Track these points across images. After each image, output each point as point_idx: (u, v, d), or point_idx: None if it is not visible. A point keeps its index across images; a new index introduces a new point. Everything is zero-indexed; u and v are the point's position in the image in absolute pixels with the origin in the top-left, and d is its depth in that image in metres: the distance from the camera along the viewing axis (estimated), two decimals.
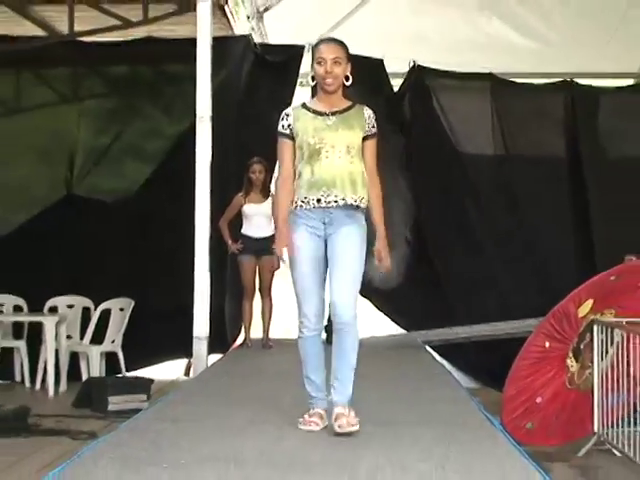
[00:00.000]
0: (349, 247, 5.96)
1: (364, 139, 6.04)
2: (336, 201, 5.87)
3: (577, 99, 13.19)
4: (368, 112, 6.07)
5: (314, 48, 5.98)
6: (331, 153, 5.86)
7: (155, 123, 13.30)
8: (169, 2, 12.06)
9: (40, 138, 13.67)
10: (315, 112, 5.97)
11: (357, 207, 5.98)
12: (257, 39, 13.05)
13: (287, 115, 6.05)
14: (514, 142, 13.16)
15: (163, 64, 12.74)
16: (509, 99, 13.20)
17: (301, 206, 5.97)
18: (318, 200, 5.88)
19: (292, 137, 6.00)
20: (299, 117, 6.00)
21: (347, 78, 5.98)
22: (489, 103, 13.18)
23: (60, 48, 13.30)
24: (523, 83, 13.42)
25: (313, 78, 6.03)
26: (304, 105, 6.09)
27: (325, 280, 6.13)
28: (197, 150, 9.54)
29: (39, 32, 13.59)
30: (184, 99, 10.02)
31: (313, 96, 6.38)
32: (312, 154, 5.88)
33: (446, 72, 12.83)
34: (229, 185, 11.01)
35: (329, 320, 6.99)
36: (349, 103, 6.05)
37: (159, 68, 12.98)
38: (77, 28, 12.87)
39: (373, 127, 6.05)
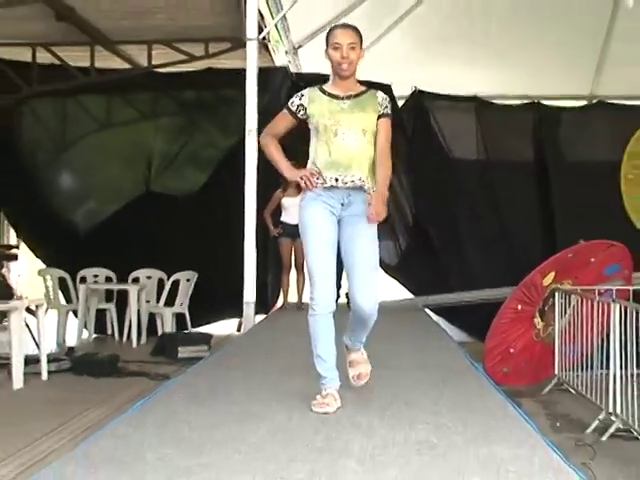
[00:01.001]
0: (368, 243, 5.07)
1: (377, 119, 5.15)
2: (353, 181, 5.00)
3: (542, 116, 13.24)
4: (382, 95, 5.19)
5: (329, 33, 5.12)
6: (347, 135, 5.01)
7: (212, 137, 13.43)
8: (225, 41, 12.03)
9: (126, 147, 13.87)
10: (330, 95, 5.11)
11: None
12: (293, 69, 13.06)
13: (302, 95, 5.16)
14: (493, 149, 13.17)
15: (220, 89, 12.79)
16: (489, 116, 13.20)
17: (321, 184, 5.02)
18: (336, 179, 4.99)
19: (296, 115, 5.14)
20: (314, 99, 5.12)
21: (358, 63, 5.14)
22: (474, 119, 13.20)
23: (141, 78, 13.55)
24: (500, 104, 13.36)
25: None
26: (320, 88, 5.19)
27: (337, 258, 5.12)
28: (246, 156, 9.58)
29: (125, 65, 13.62)
30: (236, 117, 9.99)
31: None
32: (329, 135, 5.01)
33: (440, 95, 12.85)
34: (270, 183, 10.94)
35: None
36: (363, 88, 5.21)
37: (217, 93, 13.02)
38: (154, 62, 12.94)
39: (386, 108, 5.16)
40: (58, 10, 11.40)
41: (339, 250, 5.15)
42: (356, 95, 5.11)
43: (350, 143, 4.99)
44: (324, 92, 5.13)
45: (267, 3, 10.72)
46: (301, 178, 4.96)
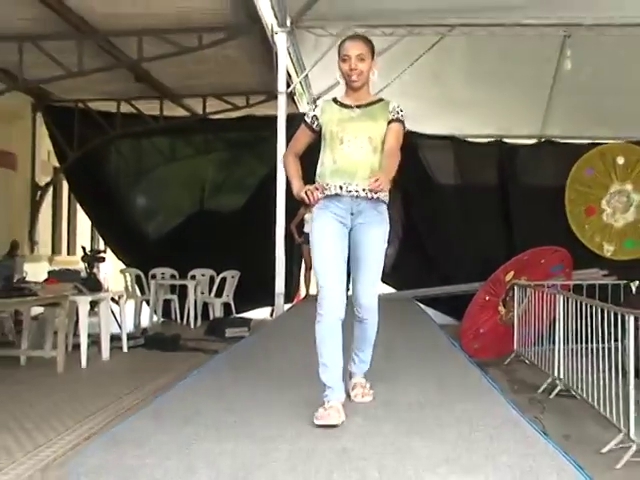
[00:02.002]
0: (375, 248, 4.11)
1: (388, 124, 4.11)
2: (357, 190, 3.98)
3: (504, 152, 13.17)
4: (394, 104, 4.17)
5: (340, 46, 4.18)
6: (353, 143, 4.03)
7: (251, 167, 13.41)
8: (261, 94, 12.07)
9: (185, 176, 13.96)
10: (342, 105, 4.16)
11: (380, 200, 4.10)
12: None
13: (316, 106, 4.28)
14: (467, 176, 13.11)
15: (257, 131, 12.77)
16: (463, 151, 13.14)
17: (325, 194, 4.03)
18: (340, 187, 4.00)
19: (312, 127, 4.20)
20: (326, 109, 4.18)
21: (373, 73, 4.16)
22: (452, 153, 13.15)
23: (197, 123, 13.62)
24: (472, 141, 13.32)
25: (341, 77, 4.22)
26: (334, 99, 4.26)
27: (346, 267, 4.10)
28: (277, 182, 9.54)
29: (186, 114, 13.68)
30: (269, 152, 10.01)
31: None
32: (334, 142, 4.06)
33: (426, 135, 12.76)
34: (296, 202, 10.94)
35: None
36: (376, 98, 4.23)
37: (254, 134, 13.03)
38: (207, 110, 13.02)
39: (398, 114, 4.13)
40: (137, 73, 11.50)
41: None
42: (367, 104, 4.15)
43: (355, 151, 4.03)
44: (336, 102, 4.20)
45: (293, 65, 10.74)
46: (305, 193, 3.97)
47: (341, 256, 4.04)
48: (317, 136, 4.20)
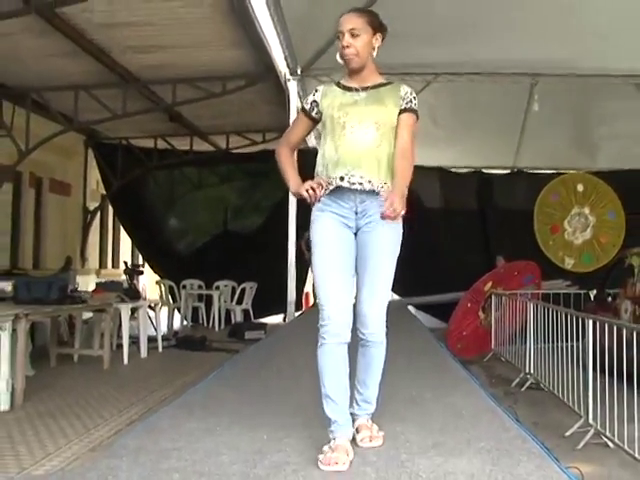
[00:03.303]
0: (384, 250, 2.97)
1: (399, 114, 3.00)
2: (361, 183, 2.88)
3: (482, 180, 13.16)
4: (406, 89, 3.04)
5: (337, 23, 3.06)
6: (357, 129, 2.92)
7: (267, 193, 13.36)
8: (275, 131, 12.10)
9: (211, 201, 14.08)
10: (344, 88, 3.04)
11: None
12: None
13: (316, 91, 3.12)
14: (451, 201, 13.06)
15: (272, 162, 12.62)
16: (448, 180, 13.10)
17: (327, 190, 2.93)
18: (341, 178, 2.89)
19: (310, 114, 3.08)
20: (327, 93, 3.05)
21: (373, 49, 3.00)
22: (438, 181, 13.10)
23: (221, 155, 13.63)
24: (455, 172, 13.30)
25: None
26: (337, 82, 3.11)
27: (353, 278, 3.03)
28: (289, 205, 9.49)
29: (212, 148, 13.73)
30: (282, 180, 9.89)
31: None
32: (335, 129, 2.95)
33: (416, 165, 12.70)
34: (307, 221, 10.97)
35: None
36: (383, 80, 3.07)
37: (270, 164, 12.81)
38: (230, 145, 13.09)
39: (410, 102, 3.01)
40: (171, 115, 11.54)
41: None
42: (374, 87, 3.02)
43: (360, 138, 2.92)
44: (339, 85, 3.08)
45: None
46: (306, 191, 2.89)
47: (346, 266, 2.95)
48: (315, 125, 3.17)
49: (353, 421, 2.99)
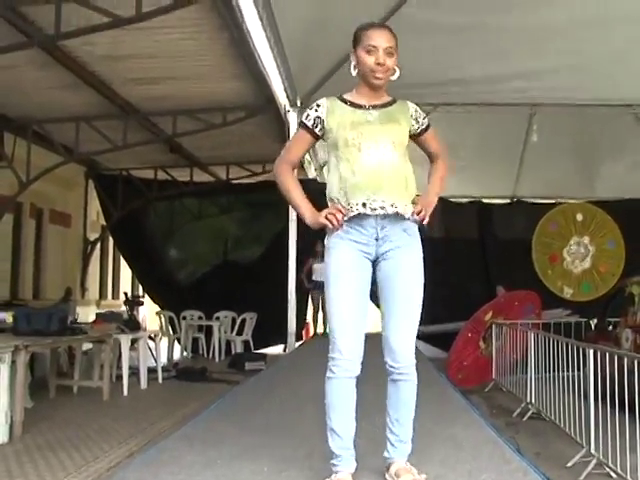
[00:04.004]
0: (412, 278, 2.83)
1: (418, 135, 2.93)
2: (383, 207, 2.71)
3: (482, 210, 13.18)
4: (413, 106, 2.93)
5: (360, 33, 2.85)
6: (374, 150, 2.73)
7: (266, 224, 13.42)
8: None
9: (211, 231, 14.17)
10: (353, 105, 2.83)
11: (410, 219, 2.82)
12: (320, 180, 13.13)
13: (319, 106, 2.86)
14: (452, 230, 13.01)
15: (272, 193, 12.60)
16: (449, 209, 13.03)
17: (346, 217, 2.73)
18: (363, 204, 2.70)
19: (313, 131, 2.85)
20: (334, 109, 2.82)
21: (394, 72, 2.84)
22: (439, 210, 12.86)
23: (221, 186, 13.71)
24: (455, 201, 13.30)
25: (355, 67, 2.88)
26: (340, 97, 2.89)
27: (367, 310, 2.84)
28: (290, 236, 9.48)
29: (212, 179, 13.82)
30: (281, 211, 9.92)
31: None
32: (351, 151, 2.74)
33: (417, 195, 12.75)
34: (306, 250, 11.05)
35: None
36: (390, 98, 2.91)
37: (270, 195, 12.81)
38: (230, 176, 13.19)
39: (424, 119, 2.95)
40: (171, 146, 11.63)
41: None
42: (384, 105, 2.86)
43: (378, 159, 2.73)
44: (345, 101, 2.86)
45: None
46: (325, 218, 2.73)
47: (361, 298, 2.80)
48: (316, 141, 2.95)
49: (389, 465, 2.85)
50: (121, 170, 13.32)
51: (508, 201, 13.51)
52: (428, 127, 2.97)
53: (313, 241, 11.56)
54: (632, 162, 11.23)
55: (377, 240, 2.78)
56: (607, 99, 9.23)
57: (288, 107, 9.46)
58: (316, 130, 2.87)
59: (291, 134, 9.49)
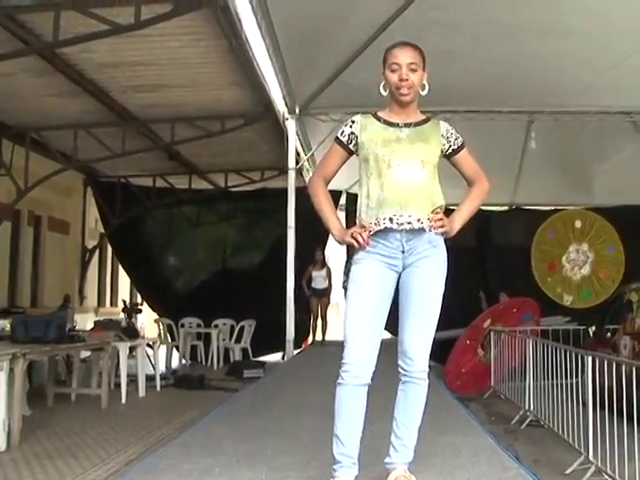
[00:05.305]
0: (431, 289, 2.92)
1: (451, 155, 3.01)
2: (410, 222, 2.82)
3: (480, 217, 13.08)
4: (445, 125, 3.02)
5: (387, 53, 2.95)
6: (403, 167, 2.84)
7: (265, 231, 13.44)
8: (274, 170, 12.25)
9: (209, 239, 14.15)
10: (386, 122, 2.93)
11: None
12: None
13: (353, 122, 2.97)
14: (448, 238, 13.03)
15: (271, 201, 12.71)
16: (447, 217, 13.10)
17: (372, 231, 2.84)
18: (390, 219, 2.81)
19: (348, 147, 2.96)
20: (367, 126, 2.94)
21: (423, 87, 2.95)
22: None
23: (220, 194, 13.75)
24: (452, 209, 13.31)
25: (384, 88, 2.96)
26: (375, 114, 2.98)
27: (385, 321, 2.92)
28: (288, 243, 9.49)
29: (210, 187, 13.84)
30: (280, 218, 9.95)
31: None
32: (381, 167, 2.84)
33: None
34: (305, 259, 11.06)
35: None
36: (424, 116, 3.01)
37: (269, 203, 12.99)
38: (229, 184, 13.22)
39: (457, 139, 3.02)
40: (170, 153, 11.63)
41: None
42: (417, 124, 2.95)
43: (406, 176, 2.84)
44: (379, 119, 2.95)
45: (301, 144, 10.83)
46: (351, 236, 2.85)
47: (381, 310, 2.88)
48: (350, 157, 3.03)
49: (389, 472, 2.89)
50: (119, 177, 13.33)
51: (506, 208, 13.53)
52: (461, 148, 3.04)
53: (312, 249, 11.62)
54: (630, 169, 11.24)
55: (403, 252, 2.88)
56: (605, 106, 9.27)
57: (286, 115, 9.50)
58: (350, 146, 2.98)
59: (289, 141, 9.56)
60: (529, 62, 7.97)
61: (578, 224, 12.94)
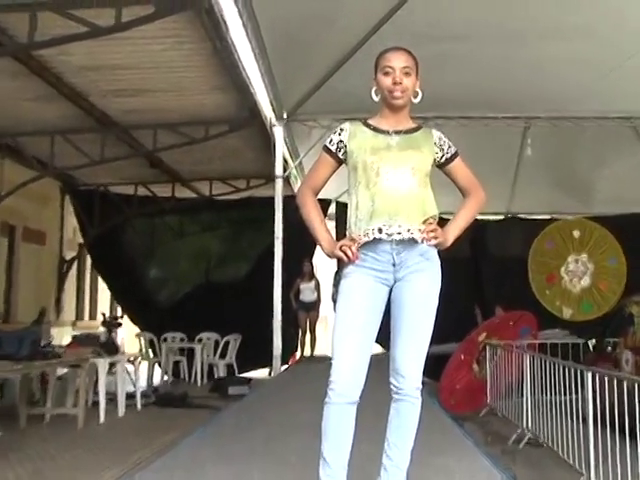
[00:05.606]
0: (423, 304, 2.91)
1: (444, 164, 3.04)
2: (400, 232, 2.81)
3: (475, 226, 13.05)
4: (437, 134, 3.04)
5: (379, 57, 2.99)
6: (392, 175, 2.84)
7: (251, 242, 13.43)
8: (260, 178, 12.22)
9: (193, 250, 14.12)
10: (376, 130, 2.95)
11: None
12: None
13: (342, 130, 3.00)
14: (445, 250, 13.06)
15: (257, 210, 12.73)
16: (440, 226, 13.10)
17: (362, 244, 2.83)
18: (379, 230, 2.80)
19: (337, 155, 2.98)
20: (356, 134, 2.95)
21: (416, 94, 2.98)
22: None
23: (204, 203, 13.74)
24: (445, 218, 13.31)
25: (376, 93, 2.99)
26: (365, 122, 3.01)
27: (376, 336, 2.92)
28: (275, 254, 9.44)
29: (194, 195, 13.80)
30: (267, 228, 9.92)
31: None
32: (369, 175, 2.86)
33: None
34: (293, 271, 11.05)
35: None
36: (415, 124, 3.04)
37: (255, 212, 13.00)
38: (213, 192, 13.23)
39: (450, 148, 3.04)
40: (152, 161, 11.60)
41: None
42: (408, 131, 2.97)
43: (396, 184, 2.84)
44: (368, 126, 2.98)
45: (289, 152, 10.82)
46: (340, 249, 2.83)
47: (370, 326, 2.87)
48: (339, 166, 3.04)
49: None
50: (99, 186, 13.28)
51: (502, 217, 13.55)
52: (454, 156, 3.06)
53: (300, 261, 11.60)
54: (631, 176, 11.28)
55: (394, 266, 2.87)
56: (605, 111, 9.30)
57: (274, 121, 9.48)
58: (339, 154, 2.99)
59: (277, 147, 9.54)
60: (525, 66, 7.99)
61: (576, 234, 12.96)
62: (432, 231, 2.88)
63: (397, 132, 2.95)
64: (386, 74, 2.92)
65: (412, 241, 2.85)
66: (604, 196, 12.31)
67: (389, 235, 2.82)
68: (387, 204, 2.84)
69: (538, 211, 13.29)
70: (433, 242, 2.88)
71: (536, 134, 9.86)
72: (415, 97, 2.99)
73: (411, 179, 2.87)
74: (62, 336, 11.35)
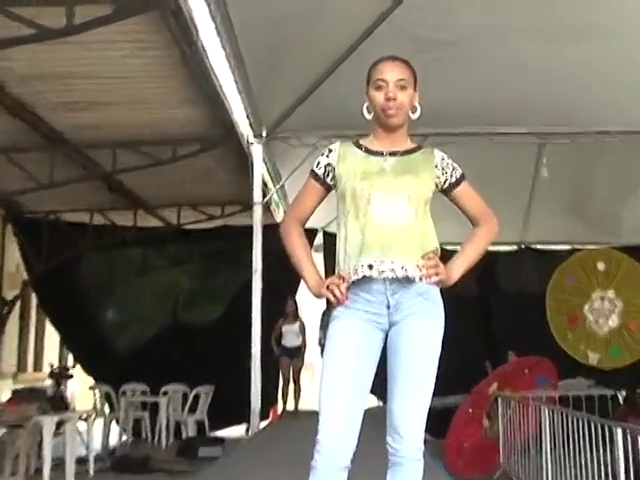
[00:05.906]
0: (424, 351, 2.86)
1: (448, 190, 3.02)
2: (393, 269, 2.77)
3: (485, 258, 13.06)
4: (440, 154, 3.00)
5: (371, 68, 2.95)
6: (385, 204, 2.80)
7: (227, 278, 13.49)
8: (236, 204, 12.30)
9: (158, 287, 14.21)
10: (368, 151, 2.92)
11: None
12: None
13: (330, 151, 2.98)
14: (449, 288, 13.08)
15: (233, 241, 12.74)
16: (443, 259, 13.13)
17: (351, 282, 2.81)
18: (370, 266, 2.76)
19: (324, 180, 2.97)
20: (346, 156, 2.92)
21: (414, 109, 2.95)
22: None
23: (171, 233, 13.79)
24: (451, 249, 13.36)
25: (368, 110, 2.96)
26: (356, 142, 2.98)
27: (369, 389, 2.89)
28: (253, 292, 9.39)
29: (160, 224, 13.79)
30: (245, 261, 9.88)
31: None
32: (358, 204, 2.82)
33: None
34: (275, 314, 11.02)
35: None
36: (414, 144, 3.00)
37: (230, 244, 13.01)
38: (182, 221, 13.29)
39: (454, 170, 3.01)
40: (110, 184, 11.59)
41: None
42: (404, 152, 2.94)
43: (389, 214, 2.80)
44: (360, 147, 2.95)
45: (269, 174, 10.84)
46: (328, 289, 2.81)
47: (364, 376, 2.83)
48: (329, 192, 3.04)
49: None
50: (48, 213, 13.24)
51: (515, 248, 13.62)
52: (460, 180, 3.04)
53: (283, 299, 11.58)
54: None
55: (389, 308, 2.84)
56: (629, 124, 9.35)
57: (251, 138, 9.49)
58: (327, 179, 2.99)
59: (255, 169, 9.55)
60: (539, 73, 8.03)
61: (601, 266, 13.00)
62: (432, 267, 2.84)
63: (392, 154, 2.93)
64: (378, 88, 2.89)
65: (408, 279, 2.82)
66: (632, 224, 12.34)
67: (380, 272, 2.79)
68: (379, 237, 2.80)
69: (556, 241, 13.35)
70: (434, 280, 2.85)
71: (553, 152, 9.91)
72: (413, 112, 2.96)
73: (407, 208, 2.85)
74: (1, 390, 11.24)
